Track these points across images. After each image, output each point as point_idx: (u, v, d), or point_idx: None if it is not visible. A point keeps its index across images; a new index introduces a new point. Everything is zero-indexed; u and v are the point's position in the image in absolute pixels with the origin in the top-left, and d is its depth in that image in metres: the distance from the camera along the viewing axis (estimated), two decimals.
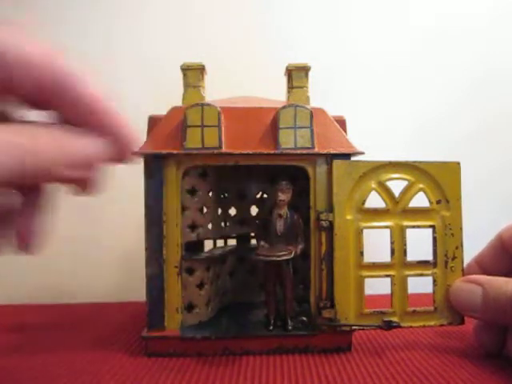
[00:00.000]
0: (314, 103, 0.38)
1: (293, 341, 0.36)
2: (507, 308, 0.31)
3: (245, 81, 0.52)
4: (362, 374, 0.32)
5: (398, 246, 0.35)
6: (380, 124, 0.59)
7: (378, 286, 0.36)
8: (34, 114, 0.24)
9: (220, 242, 0.45)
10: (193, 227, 0.38)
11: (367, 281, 0.35)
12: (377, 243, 0.35)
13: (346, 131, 0.37)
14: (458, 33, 0.61)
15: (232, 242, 0.46)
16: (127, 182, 0.39)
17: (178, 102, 0.37)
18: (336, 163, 0.34)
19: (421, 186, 0.35)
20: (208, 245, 0.42)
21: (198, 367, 0.33)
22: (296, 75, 0.38)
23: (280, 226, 0.36)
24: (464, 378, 0.31)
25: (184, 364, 0.34)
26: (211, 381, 0.31)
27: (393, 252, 0.35)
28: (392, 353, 0.36)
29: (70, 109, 0.24)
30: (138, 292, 0.38)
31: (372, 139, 0.43)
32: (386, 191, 0.35)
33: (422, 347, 0.37)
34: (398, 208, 0.35)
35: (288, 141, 0.35)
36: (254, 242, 0.45)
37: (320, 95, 0.40)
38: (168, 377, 0.31)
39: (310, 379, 0.31)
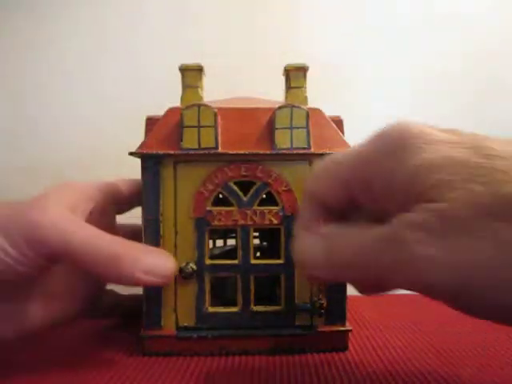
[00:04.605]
0: (312, 103, 0.38)
1: (289, 340, 0.36)
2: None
3: (244, 81, 0.52)
4: (362, 374, 0.31)
5: None
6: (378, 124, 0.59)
7: None
8: None
9: (219, 242, 0.46)
10: None
11: None
12: None
13: (343, 131, 0.37)
14: (458, 30, 0.61)
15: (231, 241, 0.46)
16: None
17: (177, 103, 0.38)
18: None
19: None
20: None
21: (193, 367, 0.33)
22: (294, 75, 0.38)
23: None
24: (464, 379, 0.30)
25: (180, 363, 0.34)
26: (207, 381, 0.31)
27: None
28: (391, 352, 0.35)
29: None
30: (136, 292, 0.38)
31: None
32: None
33: (422, 347, 0.37)
34: None
35: (284, 141, 0.35)
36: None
37: (318, 95, 0.40)
38: (165, 377, 0.31)
39: (310, 380, 0.31)
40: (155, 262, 0.31)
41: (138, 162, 0.35)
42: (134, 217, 0.39)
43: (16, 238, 0.28)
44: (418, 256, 0.20)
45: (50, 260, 0.30)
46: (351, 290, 0.37)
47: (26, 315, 0.32)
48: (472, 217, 0.19)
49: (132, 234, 0.39)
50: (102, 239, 0.30)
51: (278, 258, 0.36)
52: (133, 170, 0.36)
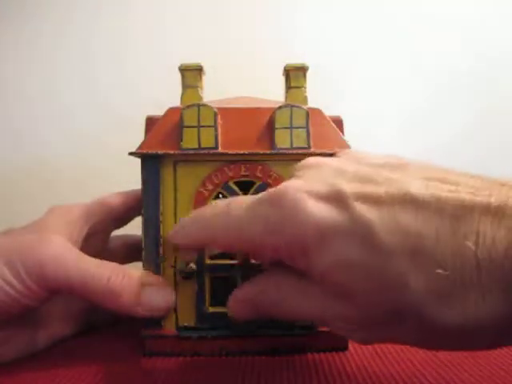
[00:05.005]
0: (312, 103, 0.38)
1: (289, 340, 0.35)
2: None
3: (244, 81, 0.52)
4: (362, 374, 0.31)
5: None
6: (377, 123, 0.59)
7: None
8: None
9: None
10: None
11: None
12: None
13: (343, 131, 0.37)
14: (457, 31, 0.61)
15: None
16: (126, 182, 0.40)
17: (177, 103, 0.38)
18: None
19: None
20: None
21: (193, 367, 0.33)
22: (294, 75, 0.38)
23: None
24: (464, 379, 0.30)
25: (180, 363, 0.34)
26: (207, 381, 0.31)
27: None
28: (391, 352, 0.35)
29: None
30: None
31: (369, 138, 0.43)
32: None
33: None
34: None
35: (284, 141, 0.35)
36: None
37: (318, 95, 0.40)
38: (165, 377, 0.31)
39: (309, 380, 0.30)
40: (154, 297, 0.32)
41: (137, 161, 0.35)
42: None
43: (20, 271, 0.29)
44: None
45: (52, 293, 0.31)
46: None
47: (26, 339, 0.33)
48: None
49: (124, 246, 0.41)
50: (101, 274, 0.31)
51: None
52: (133, 170, 0.36)
